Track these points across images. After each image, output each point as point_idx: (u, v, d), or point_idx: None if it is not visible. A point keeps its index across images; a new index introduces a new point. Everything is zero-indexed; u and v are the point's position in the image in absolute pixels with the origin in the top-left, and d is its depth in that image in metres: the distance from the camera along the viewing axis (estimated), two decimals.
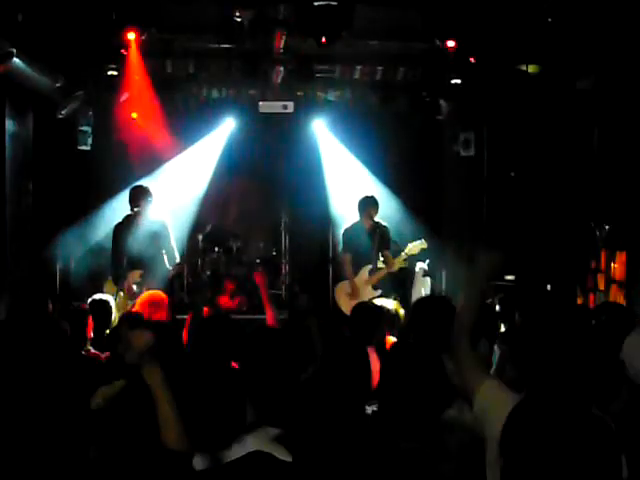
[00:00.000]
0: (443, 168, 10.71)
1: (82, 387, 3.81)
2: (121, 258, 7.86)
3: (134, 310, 6.14)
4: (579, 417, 2.26)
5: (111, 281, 7.84)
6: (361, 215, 8.62)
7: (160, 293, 6.38)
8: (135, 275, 7.78)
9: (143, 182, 8.72)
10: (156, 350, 2.55)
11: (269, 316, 5.14)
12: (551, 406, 2.35)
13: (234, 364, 3.93)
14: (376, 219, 8.57)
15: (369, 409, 3.41)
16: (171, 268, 7.85)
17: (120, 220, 8.17)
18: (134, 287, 7.67)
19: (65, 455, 2.87)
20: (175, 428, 2.50)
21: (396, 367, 3.12)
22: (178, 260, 8.06)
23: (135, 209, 7.98)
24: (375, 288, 8.42)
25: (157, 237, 7.93)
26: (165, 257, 7.88)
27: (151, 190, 8.09)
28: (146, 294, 6.40)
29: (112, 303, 6.23)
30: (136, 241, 7.85)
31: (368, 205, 8.60)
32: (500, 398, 2.62)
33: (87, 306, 5.92)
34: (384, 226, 8.63)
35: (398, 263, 8.45)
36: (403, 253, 8.44)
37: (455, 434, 3.09)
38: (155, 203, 8.08)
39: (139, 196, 8.00)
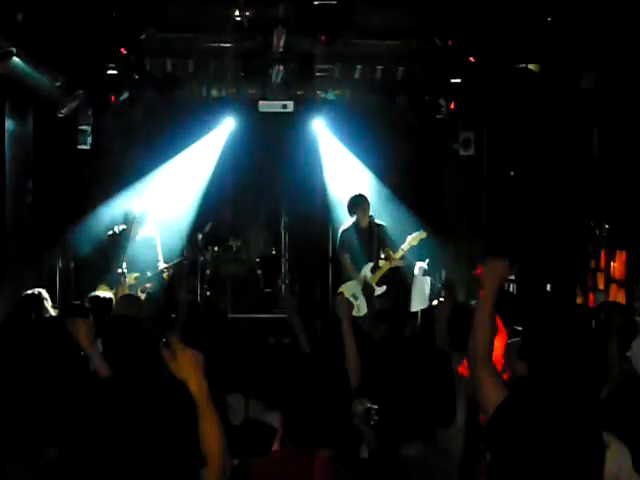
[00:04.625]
0: (443, 168, 10.71)
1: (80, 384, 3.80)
2: (114, 264, 7.99)
3: None
4: (564, 414, 2.27)
5: (105, 286, 7.87)
6: (355, 214, 8.64)
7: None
8: (131, 278, 7.84)
9: (143, 182, 8.77)
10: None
11: None
12: (537, 402, 2.36)
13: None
14: (376, 220, 8.61)
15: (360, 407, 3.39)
16: (165, 268, 8.02)
17: (111, 232, 8.36)
18: (127, 291, 7.72)
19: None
20: (222, 443, 2.50)
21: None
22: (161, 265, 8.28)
23: (123, 228, 8.17)
24: (379, 285, 8.47)
25: (144, 251, 8.14)
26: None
27: (145, 212, 8.29)
28: None
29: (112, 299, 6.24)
30: (126, 253, 8.04)
31: (360, 203, 8.64)
32: None
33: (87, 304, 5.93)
34: (381, 224, 8.66)
35: (399, 256, 8.47)
36: (403, 245, 8.47)
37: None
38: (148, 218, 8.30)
39: (132, 219, 8.20)
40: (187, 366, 2.46)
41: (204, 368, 2.48)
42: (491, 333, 2.78)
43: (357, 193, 8.82)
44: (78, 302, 6.19)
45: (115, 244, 8.20)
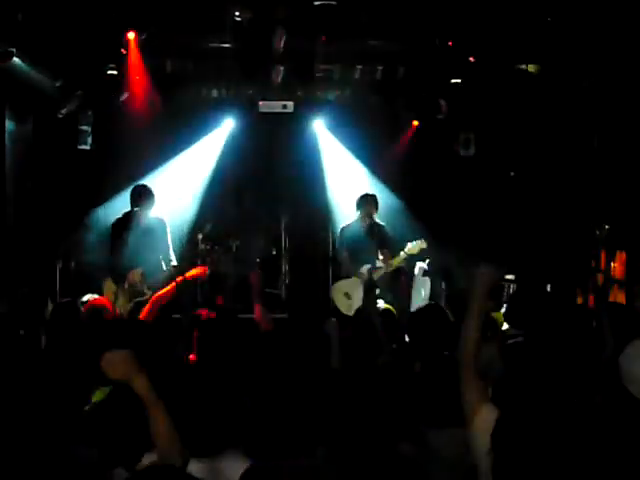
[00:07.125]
0: (443, 168, 10.70)
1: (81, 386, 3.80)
2: (120, 256, 7.85)
3: None
4: (569, 418, 2.27)
5: (111, 280, 7.81)
6: (360, 213, 8.63)
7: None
8: (136, 273, 7.75)
9: (143, 182, 8.72)
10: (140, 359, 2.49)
11: (256, 311, 5.73)
12: (542, 408, 2.36)
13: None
14: (375, 219, 8.58)
15: None
16: (167, 269, 7.89)
17: (119, 217, 8.17)
18: (137, 285, 7.65)
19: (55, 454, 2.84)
20: (173, 440, 2.47)
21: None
22: (174, 262, 8.07)
23: (135, 209, 7.98)
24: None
25: (155, 235, 7.95)
26: (161, 257, 7.92)
27: (153, 191, 8.10)
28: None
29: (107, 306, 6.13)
30: (135, 239, 7.85)
31: (367, 203, 8.61)
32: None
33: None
34: (382, 225, 8.64)
35: (396, 262, 8.44)
36: (403, 252, 8.44)
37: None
38: (156, 203, 8.10)
39: (141, 196, 8.00)
40: (121, 367, 2.45)
41: (137, 365, 2.46)
42: (479, 337, 2.80)
43: (368, 192, 8.84)
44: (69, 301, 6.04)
45: (121, 232, 7.99)
